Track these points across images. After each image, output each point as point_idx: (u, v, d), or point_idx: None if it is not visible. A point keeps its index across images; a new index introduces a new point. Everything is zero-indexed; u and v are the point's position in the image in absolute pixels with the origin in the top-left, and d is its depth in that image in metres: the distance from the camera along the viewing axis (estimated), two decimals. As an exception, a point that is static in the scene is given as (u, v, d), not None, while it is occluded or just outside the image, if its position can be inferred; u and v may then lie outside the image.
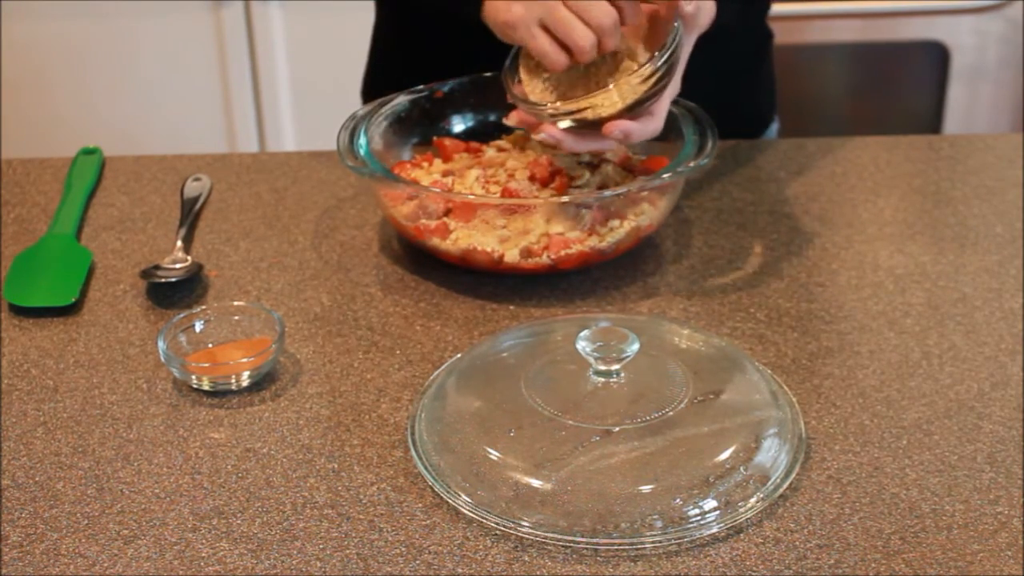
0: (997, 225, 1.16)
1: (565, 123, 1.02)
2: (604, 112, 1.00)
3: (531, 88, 1.04)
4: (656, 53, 0.99)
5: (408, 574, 0.78)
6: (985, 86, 2.25)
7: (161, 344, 0.95)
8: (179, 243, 1.12)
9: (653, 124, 1.02)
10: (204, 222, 1.18)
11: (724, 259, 1.11)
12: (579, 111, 1.00)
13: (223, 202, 1.22)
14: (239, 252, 1.13)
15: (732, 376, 0.93)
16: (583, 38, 0.98)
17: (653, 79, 0.99)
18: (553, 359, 0.93)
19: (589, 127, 1.01)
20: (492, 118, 1.20)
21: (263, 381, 0.96)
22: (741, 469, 0.84)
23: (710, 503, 0.81)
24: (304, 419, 0.92)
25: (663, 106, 1.02)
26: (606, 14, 0.98)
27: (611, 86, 0.99)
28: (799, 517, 0.82)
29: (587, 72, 1.04)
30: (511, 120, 1.05)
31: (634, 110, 1.00)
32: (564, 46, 0.99)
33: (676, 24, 1.00)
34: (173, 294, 1.07)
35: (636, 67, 1.00)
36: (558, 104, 1.01)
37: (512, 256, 1.05)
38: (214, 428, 0.91)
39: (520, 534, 0.81)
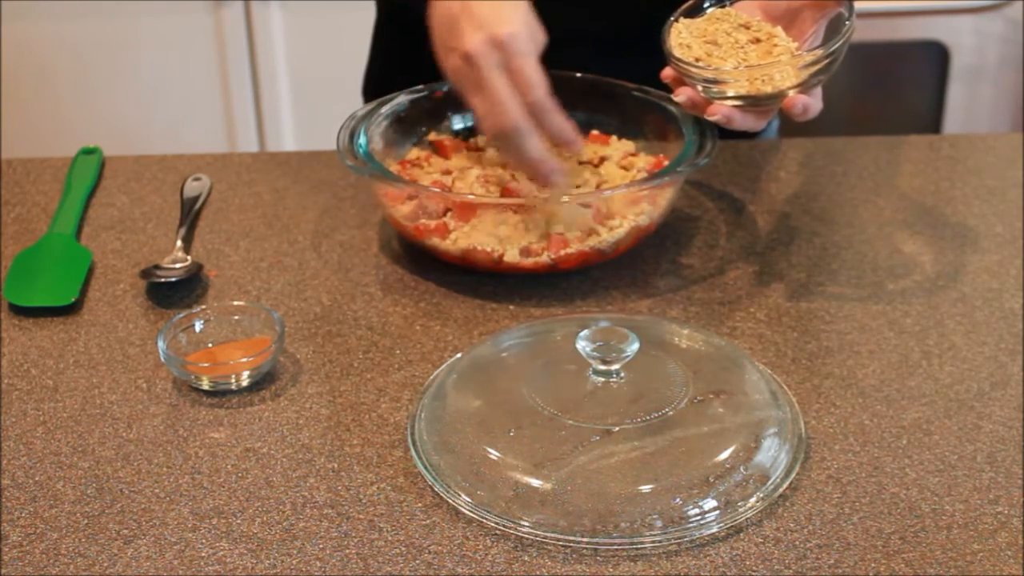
0: (997, 225, 1.16)
1: (730, 95, 0.99)
2: (782, 84, 0.98)
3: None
4: (832, 40, 0.99)
5: (408, 574, 0.78)
6: (985, 86, 2.25)
7: (161, 344, 0.95)
8: (179, 243, 1.12)
9: (819, 104, 1.01)
10: (204, 222, 1.18)
11: (724, 259, 1.11)
12: (755, 84, 0.98)
13: (223, 202, 1.22)
14: (239, 252, 1.13)
15: (732, 376, 0.93)
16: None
17: (826, 62, 0.99)
18: (553, 359, 0.93)
19: (756, 104, 1.00)
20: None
21: (263, 381, 0.96)
22: (741, 469, 0.84)
23: (710, 503, 0.81)
24: (304, 419, 0.92)
25: (820, 89, 1.02)
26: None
27: (787, 60, 0.98)
28: (799, 517, 0.82)
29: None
30: (680, 98, 1.01)
31: (804, 88, 0.99)
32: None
33: (851, 17, 1.00)
34: (173, 294, 1.07)
35: (793, 46, 1.00)
36: (742, 68, 0.99)
37: (512, 256, 1.05)
38: (214, 428, 0.91)
39: (520, 534, 0.81)
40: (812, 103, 0.99)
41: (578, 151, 1.08)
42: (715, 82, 0.99)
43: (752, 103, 1.00)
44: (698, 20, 1.05)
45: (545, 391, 0.88)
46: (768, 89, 0.98)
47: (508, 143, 1.01)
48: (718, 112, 0.99)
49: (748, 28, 1.03)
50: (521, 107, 0.99)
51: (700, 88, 1.00)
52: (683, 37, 1.03)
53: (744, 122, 1.00)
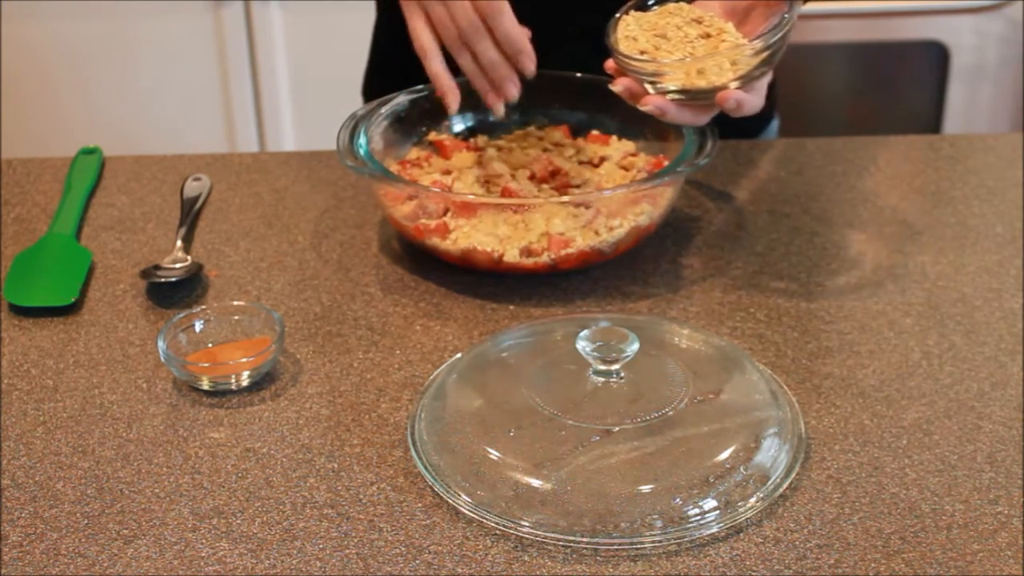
0: (997, 225, 1.16)
1: (670, 89, 0.99)
2: (717, 81, 0.98)
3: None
4: (770, 31, 0.98)
5: (408, 574, 0.78)
6: (985, 86, 2.25)
7: (161, 344, 0.95)
8: (179, 243, 1.12)
9: (758, 100, 1.01)
10: (204, 222, 1.18)
11: (724, 259, 1.11)
12: (691, 79, 0.98)
13: (223, 202, 1.22)
14: (239, 252, 1.13)
15: (732, 376, 0.93)
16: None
17: (764, 55, 0.99)
18: (553, 359, 0.93)
19: (695, 98, 1.00)
20: (492, 118, 1.20)
21: (263, 381, 0.96)
22: (741, 469, 0.84)
23: (710, 503, 0.81)
24: (304, 419, 0.92)
25: (764, 85, 1.01)
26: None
27: (723, 53, 0.98)
28: (799, 517, 0.82)
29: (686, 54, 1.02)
30: (617, 87, 1.01)
31: (743, 83, 0.99)
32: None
33: (791, 11, 1.00)
34: (173, 294, 1.07)
35: (743, 42, 1.00)
36: (669, 69, 0.99)
37: (512, 256, 1.05)
38: (214, 428, 0.91)
39: (520, 534, 0.81)
40: (747, 99, 0.99)
41: (529, 70, 1.08)
42: (654, 75, 0.99)
43: (692, 97, 1.00)
44: (650, 14, 1.05)
45: (545, 391, 0.88)
46: (702, 83, 0.98)
47: (463, 47, 1.06)
48: (651, 103, 0.99)
49: (700, 23, 1.03)
50: (475, 11, 1.04)
51: (648, 85, 1.00)
52: (631, 30, 1.03)
53: (680, 116, 1.00)
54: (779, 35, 0.98)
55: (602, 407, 0.88)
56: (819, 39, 2.23)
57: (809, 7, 2.18)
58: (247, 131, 2.32)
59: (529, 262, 1.05)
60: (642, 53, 1.01)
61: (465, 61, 1.09)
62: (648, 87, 1.00)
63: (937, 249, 1.12)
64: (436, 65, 1.09)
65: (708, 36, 1.02)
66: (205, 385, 0.95)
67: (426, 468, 0.85)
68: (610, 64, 1.03)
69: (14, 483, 0.86)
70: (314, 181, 1.25)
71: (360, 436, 0.90)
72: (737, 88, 0.98)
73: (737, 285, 1.07)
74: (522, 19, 1.09)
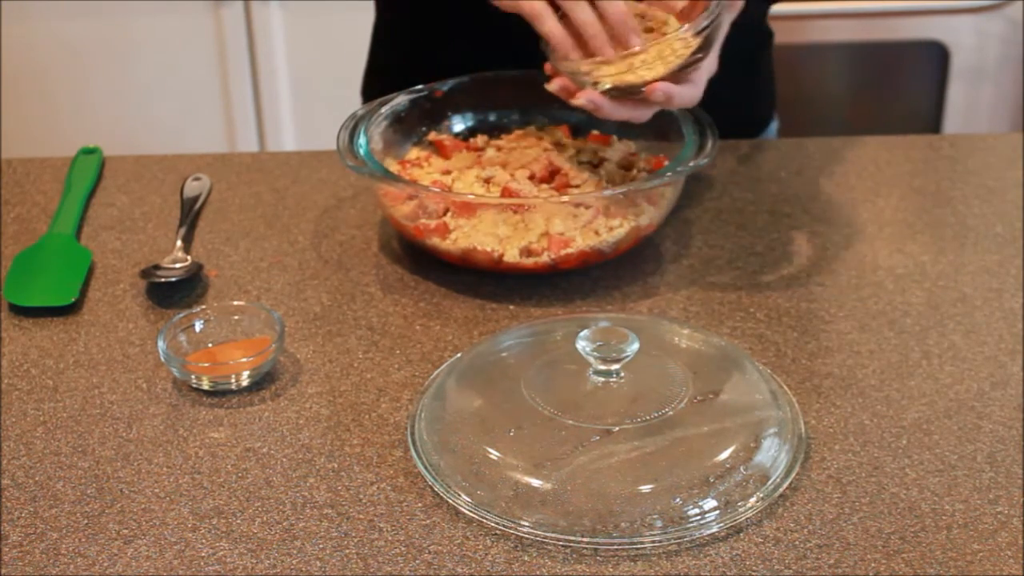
0: (997, 225, 1.16)
1: (605, 87, 1.00)
2: (648, 76, 0.99)
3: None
4: (699, 18, 0.99)
5: (408, 574, 0.78)
6: (985, 86, 2.25)
7: (161, 344, 0.95)
8: (179, 243, 1.12)
9: (693, 91, 1.01)
10: (204, 222, 1.18)
11: (724, 259, 1.11)
12: (621, 75, 0.99)
13: (223, 202, 1.22)
14: (239, 252, 1.13)
15: (732, 376, 0.93)
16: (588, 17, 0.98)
17: (695, 43, 0.99)
18: (553, 359, 0.93)
19: (629, 94, 1.01)
20: (492, 118, 1.20)
21: (263, 381, 0.96)
22: (741, 469, 0.84)
23: (710, 503, 0.81)
24: (304, 419, 0.92)
25: (703, 76, 1.01)
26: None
27: (651, 46, 0.98)
28: (799, 517, 0.82)
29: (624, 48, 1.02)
30: (553, 86, 1.03)
31: (676, 76, 0.99)
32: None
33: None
34: (173, 294, 1.07)
35: (673, 33, 1.00)
36: (601, 66, 0.99)
37: (512, 256, 1.05)
38: (214, 428, 0.91)
39: (520, 534, 0.81)
40: (678, 91, 0.99)
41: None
42: (585, 73, 1.00)
43: (626, 93, 1.00)
44: None
45: (545, 391, 0.88)
46: (632, 78, 0.98)
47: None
48: (583, 97, 1.00)
49: (643, 18, 1.03)
50: None
51: (588, 85, 1.01)
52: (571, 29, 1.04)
53: (617, 112, 1.01)
54: (708, 20, 0.99)
55: (602, 407, 0.88)
56: (819, 39, 2.23)
57: (809, 7, 2.18)
58: (247, 131, 2.32)
59: (529, 262, 1.05)
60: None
61: (585, 14, 1.01)
62: (593, 88, 1.01)
63: (937, 249, 1.12)
64: (551, 25, 1.02)
65: (651, 30, 1.02)
66: (205, 385, 0.95)
67: (426, 468, 0.85)
68: (548, 66, 1.04)
69: (14, 483, 0.86)
70: (314, 181, 1.25)
71: (360, 436, 0.90)
72: (666, 79, 0.98)
73: (737, 285, 1.07)
74: (520, 22, 1.08)
